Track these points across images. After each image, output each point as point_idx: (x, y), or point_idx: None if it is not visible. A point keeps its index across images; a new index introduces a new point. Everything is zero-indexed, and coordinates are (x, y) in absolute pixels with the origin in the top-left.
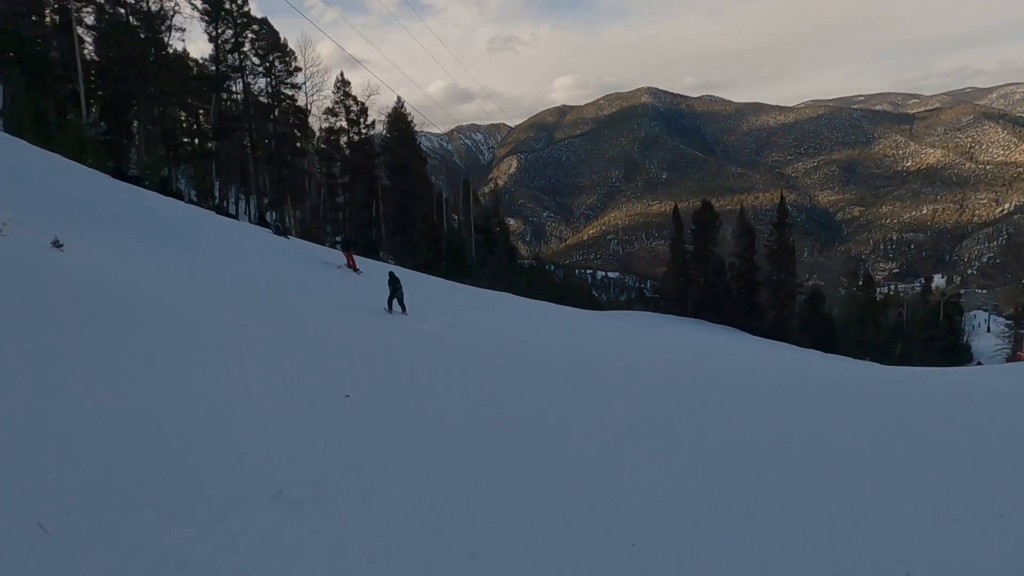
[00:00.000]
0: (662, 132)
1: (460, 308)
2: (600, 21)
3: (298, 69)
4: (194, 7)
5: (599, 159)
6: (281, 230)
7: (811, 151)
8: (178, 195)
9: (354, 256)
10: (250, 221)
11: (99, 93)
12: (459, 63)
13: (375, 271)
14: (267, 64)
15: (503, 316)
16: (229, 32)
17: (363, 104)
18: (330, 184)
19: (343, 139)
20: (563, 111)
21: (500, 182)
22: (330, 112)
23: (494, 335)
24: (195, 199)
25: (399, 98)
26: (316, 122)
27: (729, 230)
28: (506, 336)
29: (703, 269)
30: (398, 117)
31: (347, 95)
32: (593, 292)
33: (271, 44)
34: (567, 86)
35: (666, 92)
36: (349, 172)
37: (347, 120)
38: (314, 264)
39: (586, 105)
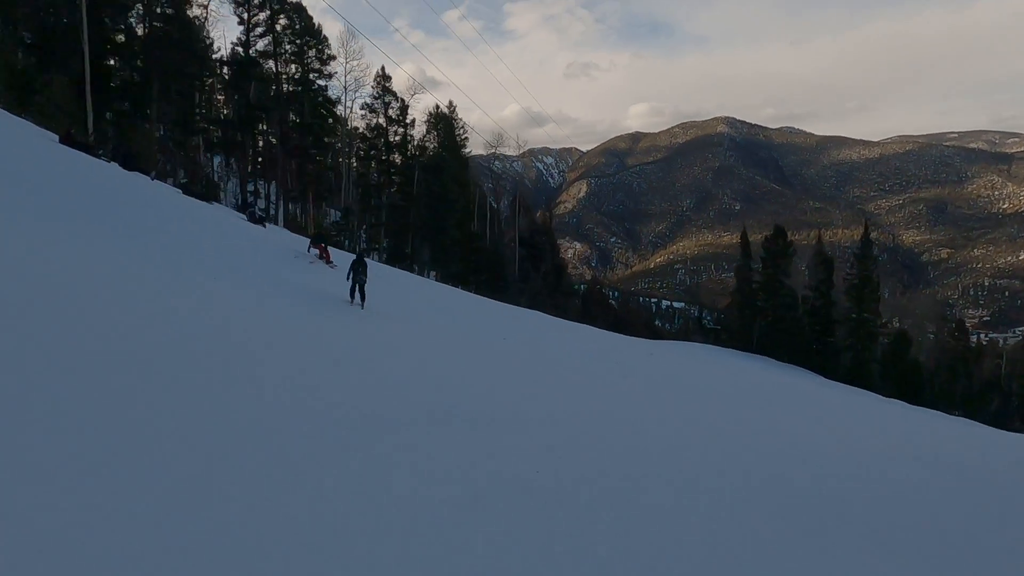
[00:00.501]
0: (737, 162)
1: (446, 322)
2: (680, 50)
3: (332, 57)
4: None
5: (670, 187)
6: (258, 217)
7: (897, 188)
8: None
9: (327, 249)
10: (239, 208)
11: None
12: (535, 88)
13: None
14: (299, 51)
15: (501, 336)
16: (262, 15)
17: (403, 101)
18: (364, 185)
19: (380, 138)
20: (636, 138)
21: (568, 206)
22: (368, 108)
23: (459, 370)
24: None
25: (454, 105)
26: (357, 121)
27: (803, 262)
28: (468, 372)
29: (772, 300)
30: (439, 117)
31: (386, 90)
32: (656, 322)
33: (304, 29)
34: (642, 113)
35: (743, 122)
36: (384, 173)
37: (385, 117)
38: (278, 254)
39: (660, 132)
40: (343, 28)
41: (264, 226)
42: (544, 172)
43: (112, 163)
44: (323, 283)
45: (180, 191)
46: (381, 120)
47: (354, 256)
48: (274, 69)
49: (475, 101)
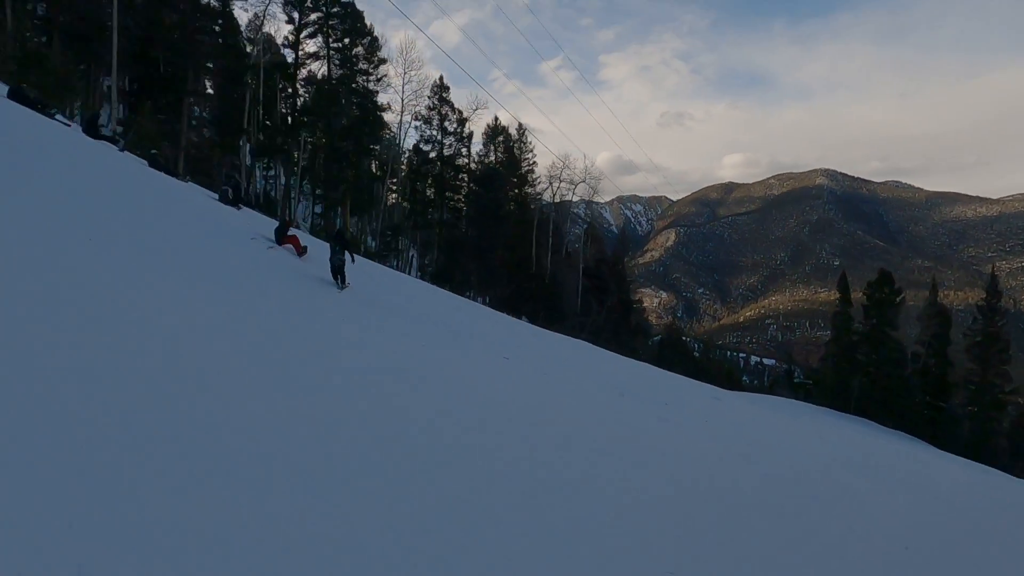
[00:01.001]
0: (837, 216)
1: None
2: (778, 101)
3: (383, 60)
4: None
5: (764, 239)
6: (232, 198)
7: (1018, 249)
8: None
9: (297, 238)
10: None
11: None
12: (627, 136)
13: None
14: (347, 51)
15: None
16: (314, 16)
17: (461, 113)
18: (415, 199)
19: (434, 151)
20: (729, 188)
21: (655, 254)
22: (424, 120)
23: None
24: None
25: (524, 128)
26: (408, 133)
27: (912, 319)
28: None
29: (875, 355)
30: (497, 130)
31: (443, 101)
32: (744, 378)
33: (354, 29)
34: (736, 163)
35: (845, 175)
36: (436, 187)
37: (440, 129)
38: (231, 238)
39: (754, 183)
40: (403, 37)
41: (238, 208)
42: (632, 219)
43: (74, 126)
44: (281, 277)
45: (147, 163)
46: (435, 132)
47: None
48: (325, 72)
49: (572, 140)
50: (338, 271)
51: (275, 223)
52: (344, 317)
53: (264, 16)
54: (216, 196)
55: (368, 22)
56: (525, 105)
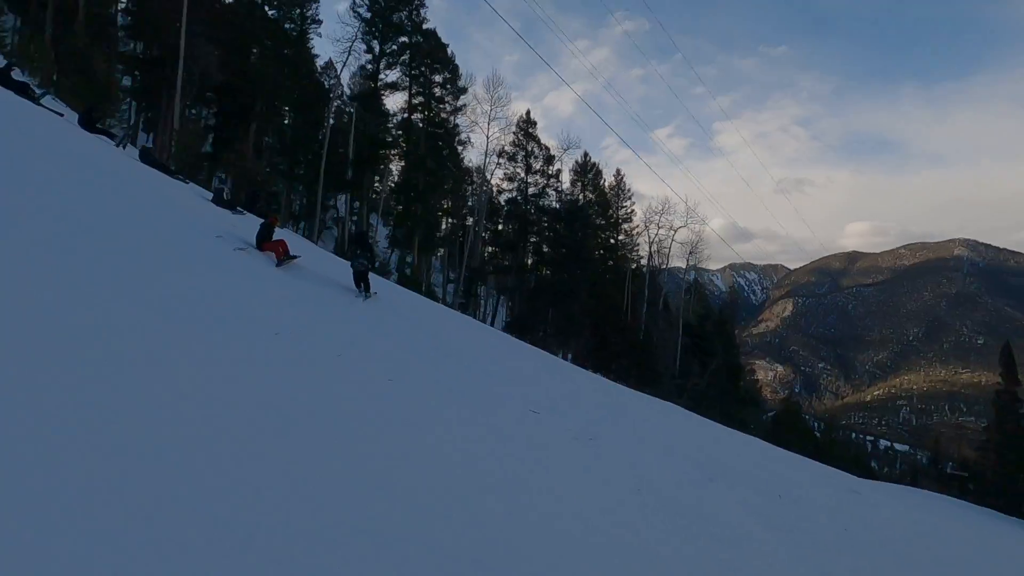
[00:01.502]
0: (980, 290)
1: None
2: (908, 167)
3: (463, 90)
4: (356, 15)
5: (893, 313)
6: (227, 200)
7: None
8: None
9: (286, 242)
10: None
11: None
12: (741, 202)
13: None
14: (426, 80)
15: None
16: (394, 46)
17: (548, 150)
18: (494, 240)
19: (515, 189)
20: (853, 257)
21: (771, 324)
22: (507, 156)
23: None
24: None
25: (622, 174)
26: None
27: None
28: None
29: None
30: (587, 167)
31: (529, 136)
32: (872, 463)
33: (435, 58)
34: (861, 232)
35: (988, 245)
36: (515, 228)
37: (525, 167)
38: (191, 236)
39: (882, 253)
40: (490, 73)
41: (234, 211)
42: (746, 288)
43: (68, 116)
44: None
45: (138, 159)
46: (520, 169)
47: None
48: (404, 103)
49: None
50: (362, 277)
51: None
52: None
53: (350, 51)
54: (212, 197)
55: (449, 51)
56: (639, 170)
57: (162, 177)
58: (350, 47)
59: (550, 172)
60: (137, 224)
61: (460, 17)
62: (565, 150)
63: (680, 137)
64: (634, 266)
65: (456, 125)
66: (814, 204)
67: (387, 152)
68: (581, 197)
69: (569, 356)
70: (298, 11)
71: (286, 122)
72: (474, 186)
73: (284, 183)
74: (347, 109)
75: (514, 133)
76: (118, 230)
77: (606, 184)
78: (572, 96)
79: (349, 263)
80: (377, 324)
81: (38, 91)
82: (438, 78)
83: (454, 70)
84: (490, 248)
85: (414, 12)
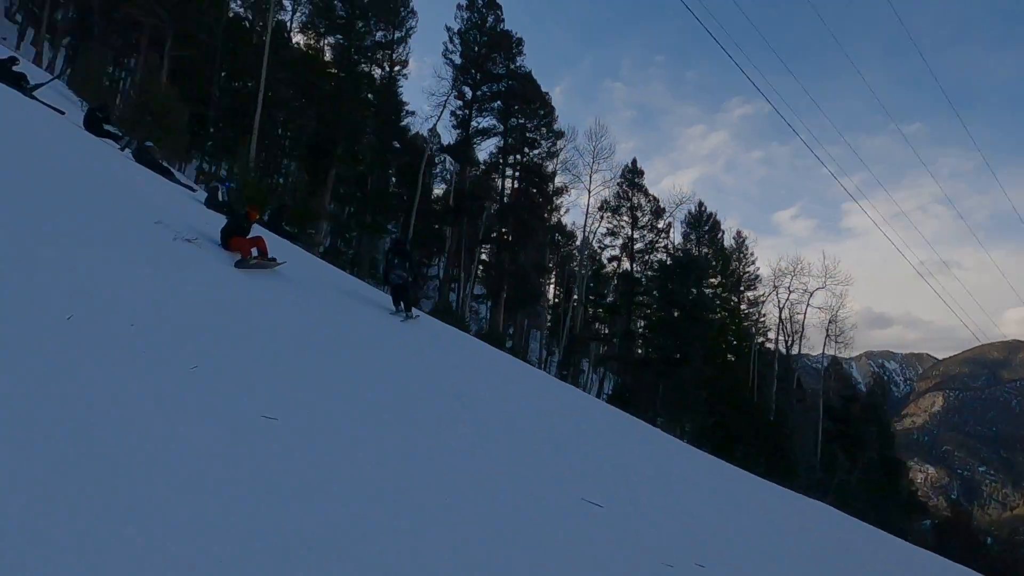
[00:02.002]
0: None
1: None
2: None
3: (560, 134)
4: (448, 61)
5: None
6: (223, 202)
7: None
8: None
9: (264, 241)
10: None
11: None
12: (877, 286)
13: None
14: (520, 127)
15: None
16: (487, 91)
17: (657, 202)
18: (596, 303)
19: (619, 246)
20: (1014, 347)
21: (917, 420)
22: (611, 209)
23: None
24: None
25: (743, 237)
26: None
27: None
28: None
29: None
30: (701, 218)
31: (636, 187)
32: None
33: (528, 99)
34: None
35: None
36: (619, 288)
37: (631, 220)
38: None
39: None
40: (593, 121)
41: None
42: (885, 377)
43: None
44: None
45: (132, 158)
46: (624, 223)
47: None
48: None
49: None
50: (401, 293)
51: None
52: None
53: (446, 103)
54: (203, 200)
55: (545, 91)
56: (761, 254)
57: (151, 176)
58: (445, 101)
59: (659, 226)
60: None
61: (577, 108)
62: (678, 204)
63: (805, 218)
64: (760, 341)
65: (553, 173)
66: (964, 288)
67: (479, 203)
68: (696, 252)
69: (684, 435)
70: (386, 54)
71: (362, 168)
72: (573, 245)
73: (365, 234)
74: (437, 159)
75: (618, 184)
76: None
77: (724, 239)
78: (688, 178)
79: (385, 276)
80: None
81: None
82: (530, 123)
83: (549, 112)
84: (591, 310)
85: (511, 59)
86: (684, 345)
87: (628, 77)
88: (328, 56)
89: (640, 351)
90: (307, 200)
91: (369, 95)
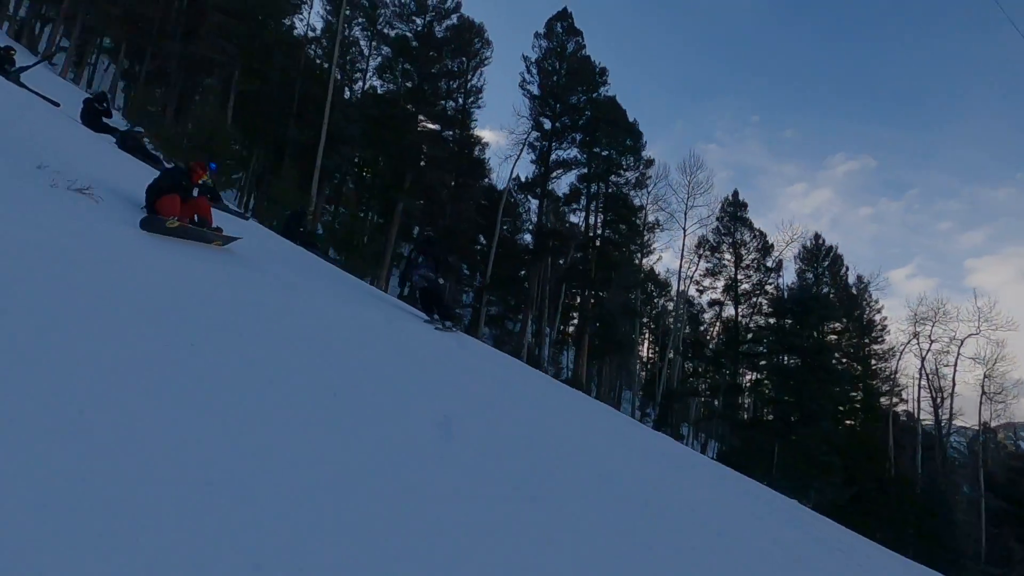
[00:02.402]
0: None
1: None
2: None
3: (649, 162)
4: (526, 92)
5: None
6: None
7: None
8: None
9: (208, 201)
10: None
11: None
12: (1011, 349)
13: None
14: (604, 150)
15: None
16: (567, 121)
17: (764, 237)
18: (695, 353)
19: (721, 288)
20: None
21: None
22: (710, 246)
23: None
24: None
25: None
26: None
27: None
28: None
29: None
30: (820, 252)
31: (738, 220)
32: None
33: (611, 123)
34: None
35: None
36: (722, 335)
37: (734, 259)
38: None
39: None
40: (688, 156)
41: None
42: None
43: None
44: None
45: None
46: (727, 262)
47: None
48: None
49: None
50: (434, 298)
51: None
52: None
53: (525, 145)
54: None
55: (632, 119)
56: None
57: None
58: (525, 140)
59: (767, 265)
60: None
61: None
62: (789, 242)
63: (923, 277)
64: (895, 401)
65: (641, 206)
66: None
67: (560, 239)
68: (814, 290)
69: (808, 503)
70: (458, 85)
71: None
72: (668, 296)
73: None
74: (514, 196)
75: (718, 219)
76: None
77: (848, 277)
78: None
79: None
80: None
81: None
82: (615, 151)
83: (636, 138)
84: (689, 365)
85: (593, 88)
86: (806, 400)
87: (722, 138)
88: (398, 88)
89: (748, 409)
90: (374, 235)
91: (440, 127)
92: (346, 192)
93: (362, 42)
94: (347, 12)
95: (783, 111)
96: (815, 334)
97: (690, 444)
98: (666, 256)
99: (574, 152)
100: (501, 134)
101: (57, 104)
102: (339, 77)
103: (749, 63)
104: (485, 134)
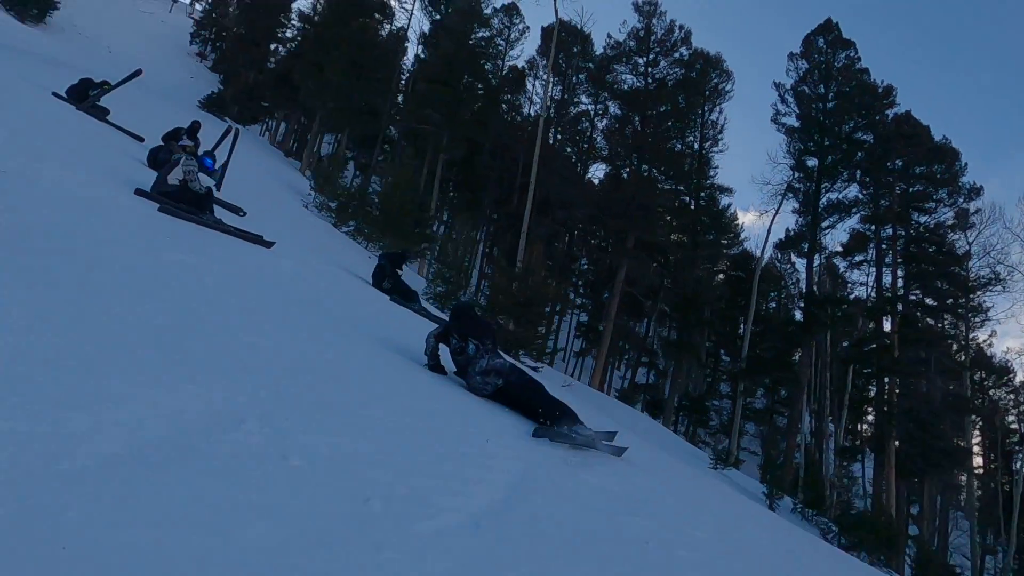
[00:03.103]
0: None
1: None
2: None
3: (974, 191)
4: (780, 126)
5: None
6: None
7: None
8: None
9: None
10: None
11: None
12: None
13: None
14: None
15: None
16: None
17: None
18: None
19: None
20: None
21: None
22: None
23: None
24: None
25: None
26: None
27: None
28: None
29: None
30: None
31: None
32: None
33: (910, 145)
34: None
35: None
36: None
37: None
38: None
39: None
40: None
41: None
42: None
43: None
44: None
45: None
46: None
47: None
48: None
49: None
50: (528, 393)
51: None
52: None
53: (784, 197)
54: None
55: (943, 138)
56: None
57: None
58: (784, 192)
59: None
60: None
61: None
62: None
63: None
64: None
65: (965, 253)
66: None
67: (840, 307)
68: None
69: None
70: (695, 127)
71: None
72: (1010, 385)
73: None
74: (772, 256)
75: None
76: None
77: None
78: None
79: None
80: None
81: None
82: (918, 182)
83: (951, 156)
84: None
85: (876, 111)
86: None
87: None
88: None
89: None
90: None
91: (672, 178)
92: (534, 252)
93: (584, 99)
94: (562, 64)
95: None
96: None
97: None
98: (1006, 326)
99: (853, 191)
100: (748, 189)
101: (141, 139)
102: (558, 138)
103: None
104: (730, 181)
